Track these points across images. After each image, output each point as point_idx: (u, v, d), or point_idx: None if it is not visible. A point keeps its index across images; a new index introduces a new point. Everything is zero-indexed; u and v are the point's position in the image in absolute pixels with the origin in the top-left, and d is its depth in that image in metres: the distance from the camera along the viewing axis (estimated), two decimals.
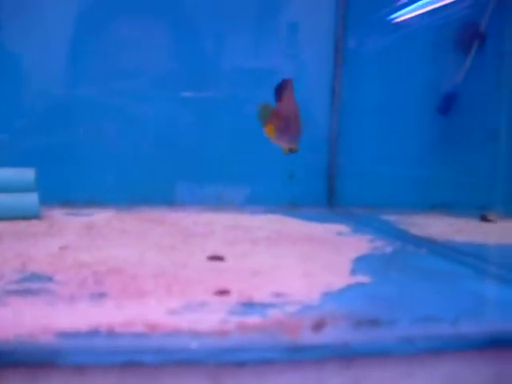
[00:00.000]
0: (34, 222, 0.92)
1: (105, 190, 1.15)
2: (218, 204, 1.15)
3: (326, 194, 1.23)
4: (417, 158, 1.26)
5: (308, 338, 0.44)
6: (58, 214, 1.00)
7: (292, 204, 1.18)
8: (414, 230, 0.95)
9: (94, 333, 0.42)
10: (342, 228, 0.96)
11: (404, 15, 1.25)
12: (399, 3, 1.24)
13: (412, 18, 1.26)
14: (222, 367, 0.42)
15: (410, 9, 1.25)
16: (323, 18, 1.23)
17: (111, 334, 0.42)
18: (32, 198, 0.95)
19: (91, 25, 1.18)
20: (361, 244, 0.83)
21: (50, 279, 0.58)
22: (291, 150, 0.88)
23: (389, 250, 0.79)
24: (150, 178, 1.17)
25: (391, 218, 1.08)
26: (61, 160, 1.16)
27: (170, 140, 1.18)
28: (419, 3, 1.24)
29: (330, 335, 0.45)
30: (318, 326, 0.45)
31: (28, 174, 0.97)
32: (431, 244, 0.85)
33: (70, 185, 1.14)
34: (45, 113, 1.14)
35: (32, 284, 0.56)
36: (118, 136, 1.16)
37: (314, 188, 1.22)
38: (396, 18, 1.25)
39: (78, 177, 1.15)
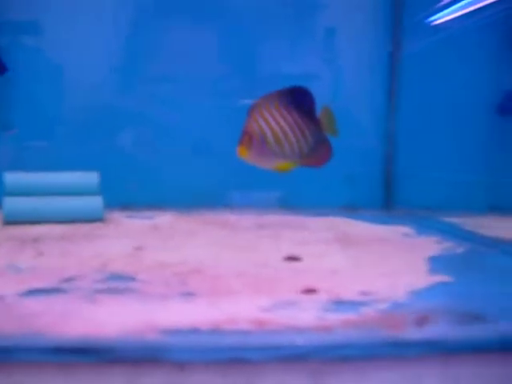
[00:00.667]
0: (99, 225, 0.92)
1: (162, 193, 1.15)
2: (276, 206, 1.14)
3: (384, 197, 1.20)
4: (475, 160, 1.24)
5: (412, 333, 0.43)
6: (119, 217, 1.00)
7: (350, 206, 1.17)
8: (482, 232, 0.93)
9: (196, 330, 0.42)
10: (406, 230, 0.94)
11: (456, 13, 1.23)
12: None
13: (465, 16, 1.23)
14: (325, 363, 0.41)
15: (461, 6, 1.23)
16: (361, 21, 1.20)
17: (215, 331, 0.42)
18: (97, 201, 0.96)
19: (133, 32, 1.19)
20: (429, 245, 0.82)
21: (132, 279, 0.59)
22: (286, 167, 0.87)
23: (460, 250, 0.78)
24: (207, 182, 1.16)
25: (454, 220, 1.06)
26: (119, 164, 1.15)
27: (226, 143, 1.17)
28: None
29: (433, 331, 0.44)
30: (422, 322, 0.44)
31: (92, 178, 0.97)
32: (503, 245, 0.83)
33: (128, 188, 1.13)
34: (97, 118, 1.14)
35: (117, 283, 0.56)
36: (174, 140, 1.16)
37: (371, 190, 1.20)
38: (448, 16, 1.23)
39: (137, 181, 1.14)
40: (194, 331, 0.42)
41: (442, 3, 1.20)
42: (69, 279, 0.58)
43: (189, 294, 0.52)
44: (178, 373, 0.41)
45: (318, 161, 0.88)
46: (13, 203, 0.93)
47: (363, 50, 1.21)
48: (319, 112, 0.88)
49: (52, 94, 1.18)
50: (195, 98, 1.18)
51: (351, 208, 1.17)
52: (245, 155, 0.85)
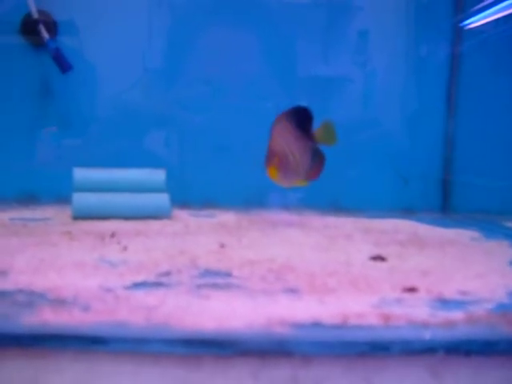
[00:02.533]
0: (168, 222, 0.93)
1: (218, 192, 1.15)
2: (328, 209, 1.14)
3: (441, 200, 1.20)
4: None
5: None
6: (183, 215, 1.01)
7: (406, 209, 1.17)
8: None
9: (320, 325, 0.42)
10: (472, 233, 0.94)
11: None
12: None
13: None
14: (446, 358, 0.42)
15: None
16: (393, 24, 1.19)
17: (341, 326, 0.42)
18: (164, 199, 0.96)
19: (168, 33, 1.21)
20: (503, 249, 0.81)
21: (228, 275, 0.59)
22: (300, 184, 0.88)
23: None
24: (263, 181, 1.17)
25: None
26: (174, 162, 1.16)
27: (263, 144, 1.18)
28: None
29: None
30: None
31: (159, 175, 0.98)
32: None
33: (184, 187, 1.14)
34: (130, 118, 1.19)
35: (216, 279, 0.57)
36: (208, 141, 1.17)
37: (428, 193, 1.20)
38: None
39: (193, 180, 1.15)
40: (319, 325, 0.42)
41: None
42: (165, 274, 0.58)
43: (292, 291, 0.53)
44: (304, 366, 0.41)
45: (316, 173, 0.94)
46: (82, 199, 0.93)
47: (421, 52, 1.19)
48: (320, 125, 0.93)
49: (87, 94, 1.20)
50: (231, 100, 1.18)
51: (406, 211, 1.16)
52: (275, 176, 0.88)
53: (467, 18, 1.21)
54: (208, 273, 0.59)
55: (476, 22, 1.20)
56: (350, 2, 1.22)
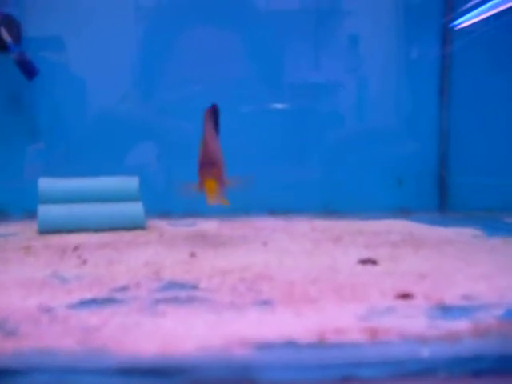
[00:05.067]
0: (142, 232, 0.85)
1: (202, 200, 1.07)
2: (321, 212, 1.07)
3: (438, 199, 1.12)
4: None
5: None
6: (160, 224, 0.93)
7: (402, 209, 1.09)
8: None
9: (293, 344, 0.33)
10: (472, 231, 0.86)
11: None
12: None
13: None
14: (452, 379, 0.33)
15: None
16: (384, 26, 1.13)
17: (318, 344, 0.33)
18: (137, 208, 0.88)
19: (153, 43, 1.16)
20: (508, 246, 0.73)
21: (194, 287, 0.51)
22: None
23: None
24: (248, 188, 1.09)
25: None
26: (146, 173, 1.09)
27: (253, 148, 1.11)
28: None
29: None
30: None
31: (131, 183, 0.90)
32: None
33: (164, 196, 1.06)
34: (119, 128, 1.09)
35: (178, 292, 0.49)
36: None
37: (424, 192, 1.12)
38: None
39: (167, 189, 1.08)
40: (291, 345, 0.33)
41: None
42: (121, 289, 0.50)
43: (265, 303, 0.44)
44: None
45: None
46: (48, 211, 0.85)
47: (412, 52, 1.13)
48: None
49: (75, 106, 1.14)
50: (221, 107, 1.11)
51: (402, 211, 1.09)
52: (213, 191, 0.71)
53: (457, 18, 1.17)
54: (171, 285, 0.51)
55: (466, 21, 1.16)
56: (339, 7, 1.13)
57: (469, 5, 1.13)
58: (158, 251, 0.68)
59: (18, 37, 1.05)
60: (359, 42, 1.16)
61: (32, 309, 0.43)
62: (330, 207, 1.09)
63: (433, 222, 0.94)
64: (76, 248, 0.71)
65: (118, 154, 1.10)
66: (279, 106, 1.13)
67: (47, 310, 0.43)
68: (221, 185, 0.70)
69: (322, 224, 0.91)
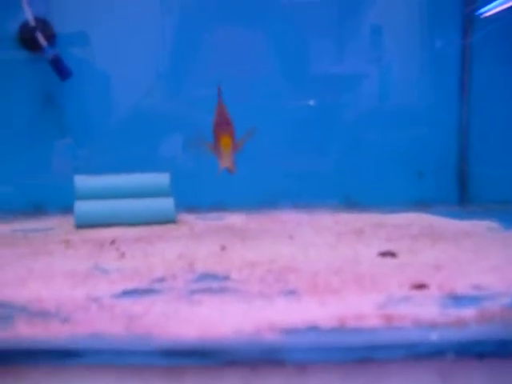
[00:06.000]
0: (173, 226, 0.89)
1: (229, 194, 1.12)
2: (339, 205, 1.10)
3: (457, 192, 1.15)
4: None
5: None
6: (189, 218, 0.97)
7: (421, 202, 1.12)
8: None
9: (316, 329, 0.38)
10: (489, 224, 0.89)
11: None
12: None
13: None
14: (457, 361, 0.37)
15: None
16: (404, 17, 1.15)
17: (339, 329, 0.38)
18: (169, 203, 0.93)
19: (179, 38, 1.18)
20: None
21: (226, 278, 0.56)
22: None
23: None
24: (272, 182, 1.13)
25: None
26: (183, 167, 1.13)
27: (277, 144, 1.14)
28: None
29: None
30: None
31: (163, 179, 0.95)
32: None
33: (192, 191, 1.10)
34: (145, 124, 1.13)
35: (211, 283, 0.53)
36: None
37: (443, 185, 1.15)
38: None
39: (200, 184, 1.11)
40: (315, 330, 0.38)
41: None
42: (159, 279, 0.55)
43: (291, 292, 0.49)
44: (299, 375, 0.37)
45: None
46: (85, 207, 0.90)
47: (433, 43, 1.15)
48: None
49: (102, 103, 1.17)
50: (244, 100, 1.15)
51: (422, 204, 1.11)
52: (228, 147, 0.77)
53: (480, 7, 1.17)
54: (204, 277, 0.56)
55: (488, 11, 1.17)
56: None
57: None
58: (190, 244, 0.73)
59: (51, 39, 1.09)
60: (381, 32, 1.18)
61: (81, 298, 0.48)
62: (351, 200, 1.11)
63: (452, 215, 0.97)
64: (113, 242, 0.76)
65: (146, 149, 1.13)
66: (302, 100, 1.16)
67: (94, 299, 0.48)
68: (233, 146, 0.76)
69: (344, 217, 0.95)
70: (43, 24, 1.09)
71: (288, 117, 1.15)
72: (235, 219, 0.97)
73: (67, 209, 1.01)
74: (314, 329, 0.39)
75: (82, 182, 0.92)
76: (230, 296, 0.48)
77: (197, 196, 1.09)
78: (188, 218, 0.98)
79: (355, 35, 1.18)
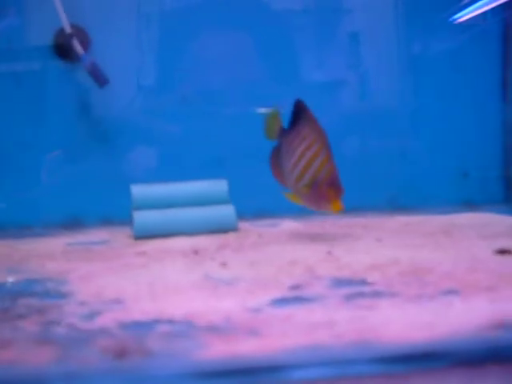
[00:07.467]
0: (237, 234, 0.87)
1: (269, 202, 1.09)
2: (389, 207, 1.08)
3: (503, 191, 1.14)
4: None
5: None
6: (245, 226, 0.94)
7: (467, 203, 1.11)
8: None
9: None
10: None
11: None
12: None
13: None
14: None
15: None
16: (385, 25, 1.16)
17: None
18: (229, 210, 0.90)
19: (163, 50, 1.17)
20: None
21: (363, 282, 0.53)
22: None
23: None
24: None
25: None
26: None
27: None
28: None
29: None
30: None
31: (221, 185, 0.92)
32: None
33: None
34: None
35: (356, 288, 0.51)
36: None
37: (488, 185, 1.14)
38: None
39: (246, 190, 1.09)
40: None
41: None
42: (295, 287, 0.52)
43: (449, 292, 0.46)
44: None
45: None
46: (143, 217, 0.87)
47: (474, 44, 1.15)
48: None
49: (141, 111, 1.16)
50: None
51: (467, 205, 1.11)
52: (338, 210, 0.72)
53: None
54: (339, 282, 0.53)
55: None
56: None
57: None
58: (282, 251, 0.70)
59: (87, 46, 1.06)
60: (422, 32, 1.17)
61: (239, 310, 0.45)
62: (397, 203, 1.10)
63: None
64: (196, 251, 0.72)
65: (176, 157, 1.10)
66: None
67: (254, 310, 0.45)
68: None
69: (406, 219, 0.94)
70: (79, 32, 1.05)
71: (336, 122, 1.12)
72: (290, 225, 0.95)
73: (106, 220, 1.01)
74: None
75: (139, 191, 0.89)
76: (393, 300, 0.46)
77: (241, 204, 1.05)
78: (241, 225, 0.95)
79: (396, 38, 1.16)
